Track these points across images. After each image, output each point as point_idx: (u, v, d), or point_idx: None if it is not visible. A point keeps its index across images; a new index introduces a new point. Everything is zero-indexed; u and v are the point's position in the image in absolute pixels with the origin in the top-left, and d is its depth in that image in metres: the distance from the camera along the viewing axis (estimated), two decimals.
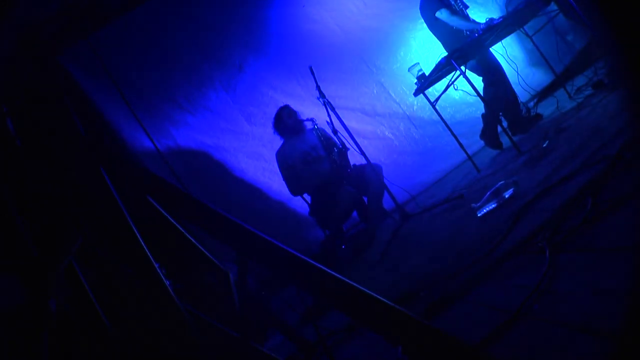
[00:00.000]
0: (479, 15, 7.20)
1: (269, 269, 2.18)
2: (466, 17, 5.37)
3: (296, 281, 2.12)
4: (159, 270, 2.24)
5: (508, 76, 5.53)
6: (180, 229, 2.79)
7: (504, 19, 5.02)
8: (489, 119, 5.37)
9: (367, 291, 1.66)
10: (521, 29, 5.81)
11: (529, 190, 3.12)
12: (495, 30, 5.01)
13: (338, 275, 1.73)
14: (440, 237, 3.66)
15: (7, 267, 1.96)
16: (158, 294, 2.09)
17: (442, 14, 5.28)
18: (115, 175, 2.32)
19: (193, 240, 2.90)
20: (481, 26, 4.94)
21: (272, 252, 1.90)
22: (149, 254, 2.17)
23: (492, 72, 5.28)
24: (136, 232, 2.05)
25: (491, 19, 5.10)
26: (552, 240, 2.14)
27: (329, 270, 1.75)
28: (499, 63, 5.16)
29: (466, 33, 4.99)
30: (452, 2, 5.35)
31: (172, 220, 2.54)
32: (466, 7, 5.53)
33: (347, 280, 1.71)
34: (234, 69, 6.80)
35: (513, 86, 5.70)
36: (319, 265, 1.78)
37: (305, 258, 1.84)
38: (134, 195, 2.47)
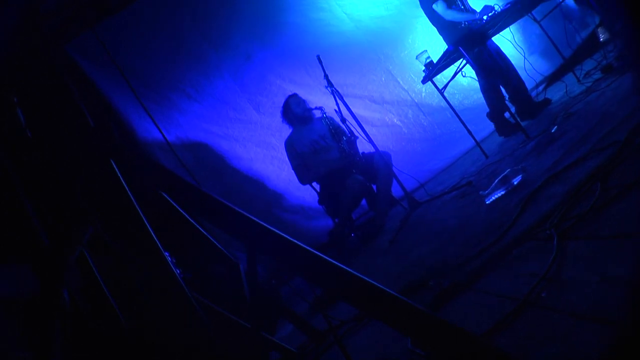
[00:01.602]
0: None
1: (277, 261, 2.19)
2: (463, 10, 5.33)
3: (304, 274, 2.14)
4: (169, 260, 2.26)
5: (514, 62, 5.52)
6: (190, 220, 2.81)
7: (510, 6, 4.99)
8: (493, 117, 5.39)
9: (374, 283, 1.67)
10: (529, 14, 5.75)
11: (537, 176, 3.11)
12: (497, 19, 4.97)
13: (345, 267, 1.74)
14: (449, 224, 3.66)
15: (20, 257, 1.98)
16: (168, 283, 2.10)
17: (438, 7, 5.28)
18: (126, 167, 2.32)
19: (203, 231, 2.92)
20: (476, 16, 4.91)
21: (280, 246, 1.91)
22: (158, 244, 2.18)
23: (481, 77, 5.28)
24: (146, 222, 2.06)
25: (488, 8, 5.08)
26: (560, 227, 2.13)
27: (335, 262, 1.76)
28: (491, 63, 5.09)
29: (464, 24, 4.94)
30: None
31: (183, 212, 2.56)
32: None
33: (354, 272, 1.72)
34: (241, 57, 6.79)
35: (520, 71, 5.68)
36: (325, 257, 1.79)
37: (312, 250, 1.85)
38: (145, 189, 2.48)
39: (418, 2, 5.47)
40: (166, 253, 2.47)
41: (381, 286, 1.70)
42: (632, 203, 1.96)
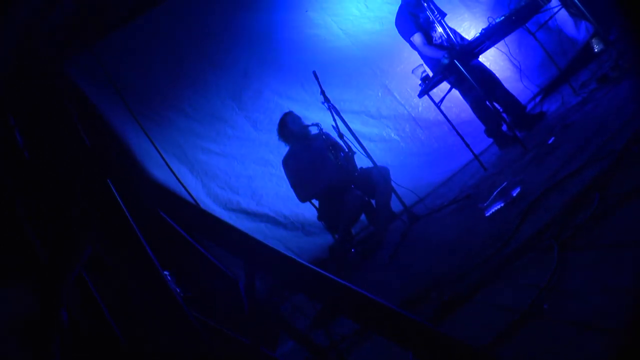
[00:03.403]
0: (481, 14, 7.25)
1: (275, 278, 2.18)
2: (442, 44, 5.39)
3: (305, 291, 2.13)
4: (167, 279, 2.25)
5: (509, 74, 5.58)
6: (188, 238, 2.80)
7: (503, 18, 5.04)
8: (489, 132, 5.44)
9: (374, 297, 1.66)
10: (524, 25, 5.79)
11: (536, 187, 3.11)
12: (490, 34, 5.03)
13: (344, 282, 1.73)
14: (449, 238, 3.65)
15: (18, 275, 1.97)
16: (166, 302, 2.09)
17: (415, 39, 5.37)
18: (123, 186, 2.32)
19: (201, 249, 2.90)
20: (444, 56, 4.96)
21: (280, 263, 1.90)
22: (157, 263, 2.17)
23: (466, 95, 5.34)
24: (144, 242, 2.05)
25: (462, 42, 5.23)
26: (560, 238, 2.13)
27: (334, 277, 1.75)
28: (474, 80, 5.14)
29: (443, 60, 4.99)
30: (427, 15, 5.38)
31: (181, 230, 2.55)
32: (443, 15, 5.56)
33: (353, 286, 1.71)
34: (239, 75, 6.81)
35: (516, 83, 5.72)
36: (324, 273, 1.78)
37: (311, 266, 1.84)
38: (143, 208, 2.48)
39: None
40: (165, 272, 2.46)
41: (381, 300, 1.70)
42: (631, 212, 1.96)
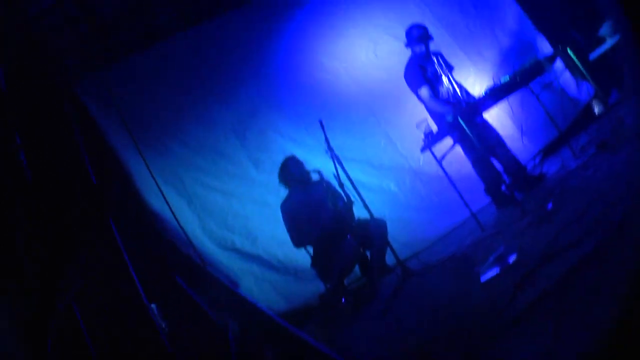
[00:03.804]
0: (487, 70, 7.35)
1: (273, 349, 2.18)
2: (448, 99, 5.49)
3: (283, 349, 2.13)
4: (154, 312, 2.24)
5: (511, 134, 5.65)
6: (179, 280, 2.80)
7: (492, 88, 5.13)
8: (488, 191, 5.48)
9: None
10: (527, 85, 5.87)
11: (532, 255, 3.11)
12: (494, 93, 5.11)
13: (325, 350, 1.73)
14: (442, 299, 3.64)
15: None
16: (154, 345, 2.08)
17: (422, 92, 5.45)
18: (123, 226, 2.33)
19: (194, 296, 2.90)
20: (448, 114, 5.04)
21: (277, 336, 1.91)
22: (146, 302, 2.17)
23: (469, 151, 5.39)
24: (138, 285, 2.05)
25: (467, 100, 5.34)
26: (555, 311, 2.13)
27: (313, 342, 1.75)
28: (478, 137, 5.20)
29: (448, 117, 5.07)
30: (435, 68, 5.48)
31: (179, 281, 2.56)
32: (451, 69, 5.66)
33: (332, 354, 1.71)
34: (244, 113, 6.85)
35: (517, 142, 5.78)
36: (314, 344, 1.78)
37: (297, 331, 1.85)
38: (141, 250, 2.48)
39: None
40: (152, 305, 2.45)
41: None
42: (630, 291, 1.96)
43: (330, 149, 5.03)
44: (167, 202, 5.97)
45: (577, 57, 5.47)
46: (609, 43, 7.08)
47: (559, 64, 6.21)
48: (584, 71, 5.70)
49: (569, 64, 6.20)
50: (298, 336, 1.82)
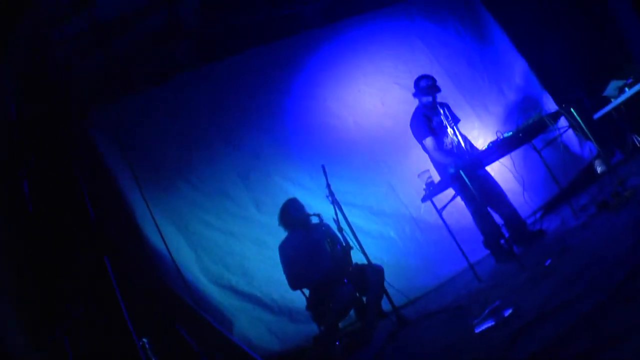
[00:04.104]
0: (491, 124, 7.44)
1: None
2: (452, 150, 5.57)
3: None
4: (145, 347, 2.24)
5: (512, 188, 5.69)
6: (172, 320, 2.79)
7: (495, 143, 5.19)
8: (487, 244, 5.50)
9: None
10: (530, 142, 5.93)
11: (528, 311, 3.10)
12: (495, 149, 5.16)
13: None
14: (436, 349, 3.61)
15: None
16: None
17: (427, 143, 5.53)
18: (119, 265, 2.34)
19: (185, 335, 2.90)
20: (451, 166, 5.10)
21: None
22: (135, 337, 2.16)
23: (470, 203, 5.43)
24: (132, 329, 2.05)
25: (471, 152, 5.46)
26: None
27: None
28: (480, 190, 5.23)
29: (451, 169, 5.13)
30: (441, 119, 5.56)
31: (166, 313, 2.56)
32: (457, 121, 5.75)
33: None
34: (249, 155, 6.91)
35: (518, 197, 5.81)
36: None
37: None
38: (135, 288, 2.49)
39: None
40: (144, 339, 2.44)
41: None
42: (624, 350, 1.96)
43: (331, 193, 5.07)
44: (163, 239, 5.98)
45: (581, 116, 5.54)
46: (613, 104, 7.18)
47: (562, 121, 6.27)
48: (587, 131, 5.75)
49: (573, 123, 6.26)
50: None
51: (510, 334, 2.83)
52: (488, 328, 3.26)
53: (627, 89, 7.10)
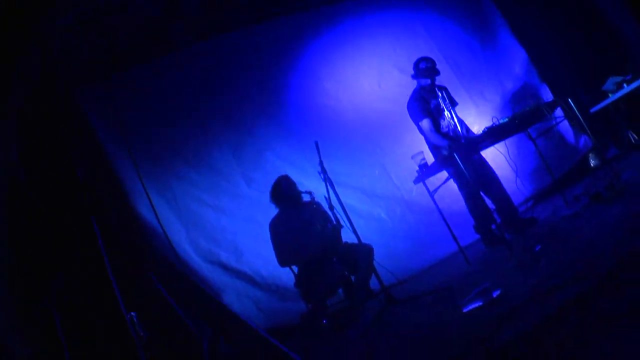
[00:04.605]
0: (487, 111, 7.42)
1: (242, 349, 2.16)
2: (449, 133, 5.55)
3: None
4: (133, 320, 2.21)
5: (505, 175, 5.69)
6: (161, 289, 2.77)
7: (491, 128, 5.17)
8: (478, 229, 5.50)
9: None
10: (525, 130, 5.92)
11: (516, 294, 3.11)
12: (491, 134, 5.14)
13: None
14: (424, 328, 3.62)
15: None
16: (126, 348, 2.05)
17: (423, 125, 5.49)
18: (107, 227, 2.30)
19: (171, 301, 2.87)
20: (445, 149, 5.09)
21: (246, 338, 1.89)
22: (123, 309, 2.14)
23: (463, 187, 5.43)
24: (115, 288, 2.03)
25: (467, 134, 5.48)
26: (534, 351, 2.12)
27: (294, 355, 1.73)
28: (474, 174, 5.22)
29: (445, 152, 5.11)
30: (439, 102, 5.53)
31: (155, 282, 2.53)
32: (455, 104, 5.72)
33: None
34: (244, 132, 6.88)
35: (510, 184, 5.81)
36: (284, 349, 1.76)
37: (275, 341, 1.83)
38: (122, 252, 2.46)
39: None
40: (132, 313, 2.42)
41: None
42: (608, 341, 1.96)
43: (323, 170, 5.05)
44: (156, 215, 5.98)
45: (577, 109, 5.52)
46: (611, 98, 7.18)
47: (559, 112, 6.26)
48: (583, 123, 5.74)
49: (569, 115, 6.25)
50: (278, 347, 1.80)
51: (498, 315, 2.84)
52: (475, 308, 3.26)
53: (625, 84, 7.10)
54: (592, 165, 7.74)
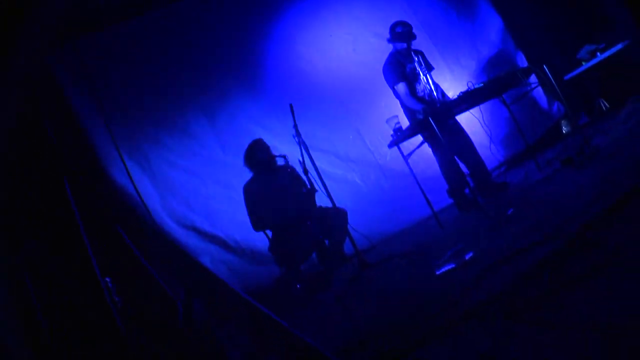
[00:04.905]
0: (462, 77, 7.42)
1: (215, 308, 2.15)
2: (425, 98, 5.54)
3: (242, 324, 2.09)
4: (108, 286, 2.19)
5: (479, 140, 5.73)
6: (135, 251, 2.74)
7: (482, 85, 5.16)
8: (452, 194, 5.53)
9: (310, 342, 1.64)
10: (500, 96, 5.94)
11: (489, 255, 3.14)
12: (467, 98, 5.14)
13: (283, 323, 1.71)
14: (397, 290, 3.66)
15: None
16: (102, 314, 2.03)
17: (399, 89, 5.47)
18: (79, 188, 2.26)
19: (146, 265, 2.84)
20: (420, 112, 5.10)
21: (219, 292, 1.88)
22: (97, 271, 2.11)
23: (438, 151, 5.45)
24: (88, 247, 2.00)
25: (443, 99, 5.49)
26: (506, 311, 2.15)
27: (278, 319, 1.73)
28: (449, 138, 5.24)
29: (421, 115, 5.10)
30: (415, 66, 5.51)
31: (130, 243, 2.50)
32: (431, 69, 5.70)
33: (291, 329, 1.69)
34: (216, 94, 6.80)
35: (484, 150, 5.85)
36: (264, 310, 1.76)
37: (255, 302, 1.82)
38: (96, 214, 2.42)
39: None
40: (107, 278, 2.40)
41: (317, 346, 1.67)
42: (577, 295, 2.00)
43: (298, 133, 5.02)
44: (130, 177, 5.93)
45: (552, 76, 5.54)
46: (584, 66, 7.24)
47: (533, 79, 6.29)
48: (557, 90, 5.77)
49: (543, 81, 6.28)
50: (256, 307, 1.79)
51: (471, 277, 2.87)
52: (448, 270, 3.30)
53: (599, 53, 7.17)
54: (564, 131, 7.83)
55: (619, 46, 6.87)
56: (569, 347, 1.65)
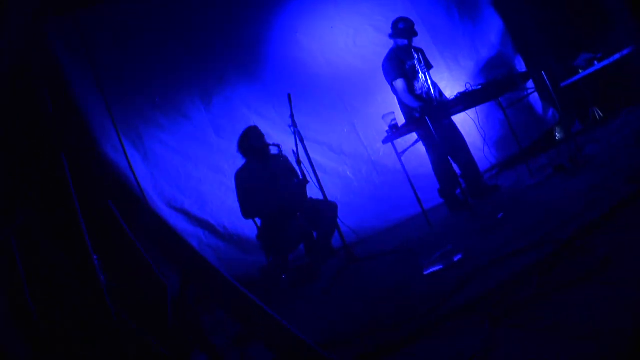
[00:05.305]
0: (460, 77, 7.43)
1: (205, 293, 2.14)
2: (422, 95, 5.54)
3: (231, 310, 2.09)
4: (95, 263, 2.18)
5: (472, 142, 5.74)
6: (128, 232, 2.72)
7: (479, 87, 5.18)
8: (443, 194, 5.54)
9: (296, 332, 1.64)
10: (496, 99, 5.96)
11: (477, 258, 3.15)
12: (463, 99, 5.15)
13: (274, 314, 1.71)
14: (384, 286, 3.67)
15: None
16: (91, 292, 2.03)
17: (397, 85, 5.47)
18: (76, 163, 2.25)
19: (138, 245, 2.83)
20: (416, 110, 5.11)
21: (211, 278, 1.88)
22: (89, 246, 2.10)
23: (431, 150, 5.46)
24: (82, 222, 1.99)
25: (440, 98, 5.47)
26: (493, 313, 2.16)
27: (266, 308, 1.73)
28: (443, 138, 5.24)
29: (418, 113, 5.11)
30: (414, 63, 5.51)
31: (123, 223, 2.49)
32: (431, 67, 5.71)
33: (277, 317, 1.69)
34: (213, 78, 6.77)
35: (477, 152, 5.86)
36: (252, 297, 1.76)
37: (243, 289, 1.82)
38: (91, 190, 2.41)
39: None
40: (95, 256, 2.38)
41: (302, 336, 1.68)
42: (564, 301, 2.02)
43: (294, 123, 5.00)
44: (126, 156, 5.91)
45: (548, 82, 5.56)
46: (581, 74, 7.28)
47: (530, 84, 6.30)
48: (553, 96, 5.80)
49: (540, 87, 6.31)
50: (244, 293, 1.79)
51: (458, 278, 2.88)
52: (436, 271, 3.31)
53: (596, 62, 7.21)
54: (557, 138, 7.86)
55: (616, 56, 6.91)
56: (555, 349, 1.67)
